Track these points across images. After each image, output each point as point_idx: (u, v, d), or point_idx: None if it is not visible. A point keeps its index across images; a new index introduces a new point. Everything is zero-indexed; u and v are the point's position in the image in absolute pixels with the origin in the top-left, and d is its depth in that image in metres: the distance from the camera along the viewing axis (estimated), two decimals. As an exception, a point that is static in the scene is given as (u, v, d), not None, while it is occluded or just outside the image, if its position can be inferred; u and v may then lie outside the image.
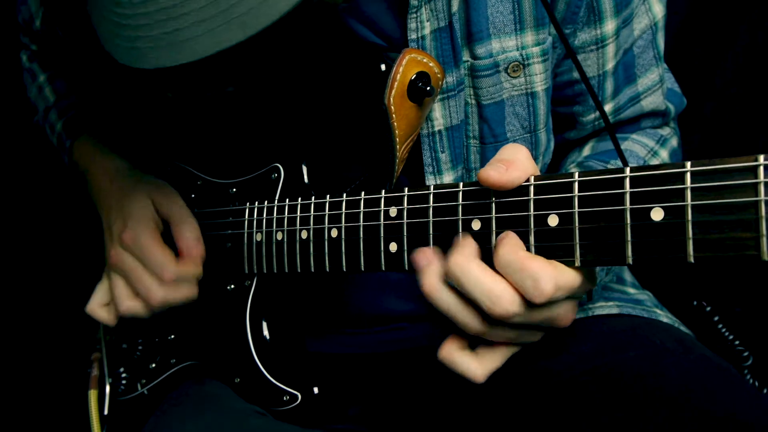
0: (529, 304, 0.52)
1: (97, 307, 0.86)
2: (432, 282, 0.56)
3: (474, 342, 0.59)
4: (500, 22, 0.74)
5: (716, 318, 0.82)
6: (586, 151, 0.89)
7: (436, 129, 0.77)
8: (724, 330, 0.82)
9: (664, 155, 0.87)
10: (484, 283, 0.52)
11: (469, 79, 0.76)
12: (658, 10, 0.83)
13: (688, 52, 1.09)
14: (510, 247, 0.53)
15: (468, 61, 0.75)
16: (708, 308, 0.80)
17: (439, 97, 0.75)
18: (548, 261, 0.52)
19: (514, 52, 0.75)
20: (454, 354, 0.58)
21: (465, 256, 0.54)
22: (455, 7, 0.72)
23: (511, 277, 0.52)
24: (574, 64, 0.82)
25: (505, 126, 0.78)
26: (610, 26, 0.78)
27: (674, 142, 0.91)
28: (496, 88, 0.76)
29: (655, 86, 0.86)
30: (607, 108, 0.85)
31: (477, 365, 0.58)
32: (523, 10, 0.74)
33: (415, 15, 0.72)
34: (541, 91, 0.77)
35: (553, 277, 0.50)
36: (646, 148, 0.87)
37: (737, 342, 0.81)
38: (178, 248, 0.82)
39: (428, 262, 0.57)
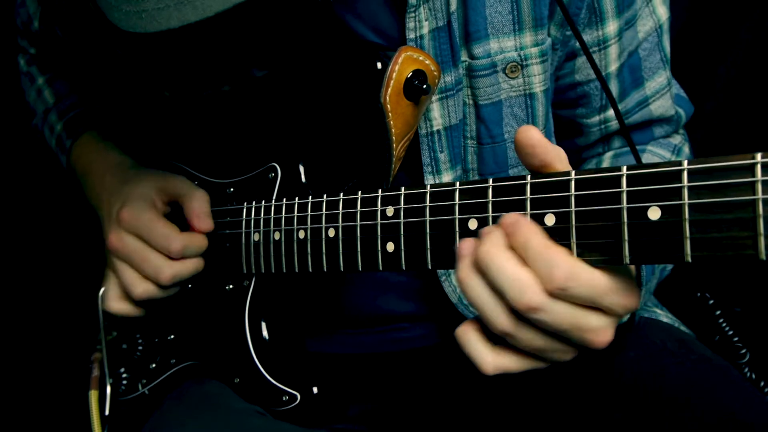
0: (551, 295, 0.49)
1: (115, 302, 0.84)
2: (465, 271, 0.53)
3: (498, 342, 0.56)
4: (499, 22, 0.74)
5: (718, 312, 0.81)
6: (605, 165, 0.88)
7: (435, 129, 0.76)
8: (724, 324, 0.81)
9: None
10: (512, 271, 0.50)
11: (467, 79, 0.76)
12: (662, 12, 0.82)
13: (688, 52, 1.09)
14: (527, 231, 0.50)
15: (466, 61, 0.75)
16: (711, 301, 0.79)
17: (437, 96, 0.75)
18: (568, 251, 0.50)
19: (512, 53, 0.74)
20: (470, 334, 0.55)
21: (494, 244, 0.51)
22: (453, 6, 0.72)
23: (528, 261, 0.50)
24: (575, 67, 0.81)
25: (503, 127, 0.78)
26: (612, 27, 0.78)
27: (687, 149, 0.90)
28: (493, 89, 0.76)
29: (663, 90, 0.85)
30: (613, 112, 0.84)
31: (490, 355, 0.54)
32: (521, 11, 0.73)
33: (413, 14, 0.71)
34: (539, 92, 0.77)
35: (568, 265, 0.48)
36: (664, 159, 0.86)
37: (736, 338, 0.80)
38: (188, 220, 0.81)
39: (469, 252, 0.54)
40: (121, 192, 0.84)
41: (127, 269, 0.81)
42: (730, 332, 0.79)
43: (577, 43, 0.78)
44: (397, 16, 0.74)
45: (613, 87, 0.83)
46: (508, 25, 0.74)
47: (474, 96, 0.76)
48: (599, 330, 0.51)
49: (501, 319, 0.52)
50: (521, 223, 0.50)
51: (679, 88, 0.92)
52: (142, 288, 0.80)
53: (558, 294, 0.49)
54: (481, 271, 0.51)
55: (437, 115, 0.75)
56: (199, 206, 0.81)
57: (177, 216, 0.83)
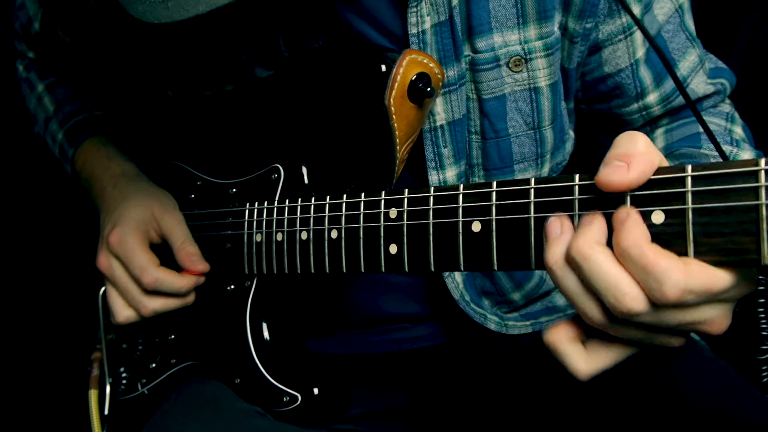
0: (655, 304, 0.45)
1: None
2: (556, 258, 0.48)
3: (589, 332, 0.52)
4: (502, 15, 0.73)
5: (762, 300, 0.77)
6: (659, 141, 0.85)
7: (438, 124, 0.76)
8: (762, 316, 0.77)
9: (738, 131, 0.84)
10: (608, 276, 0.45)
11: (470, 74, 0.76)
12: None
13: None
14: (634, 239, 0.45)
15: (469, 55, 0.75)
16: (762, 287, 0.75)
17: (440, 91, 0.74)
18: (679, 258, 0.44)
19: (516, 46, 0.74)
20: (563, 342, 0.51)
21: (588, 241, 0.47)
22: (455, 0, 0.72)
23: (634, 273, 0.45)
24: (602, 60, 0.80)
25: (507, 121, 0.77)
26: (635, 12, 0.76)
27: (737, 116, 0.88)
28: (497, 83, 0.75)
29: (696, 67, 0.84)
30: (653, 98, 0.83)
31: (584, 362, 0.50)
32: (525, 4, 0.73)
33: (415, 9, 0.71)
34: (545, 86, 0.76)
35: (680, 281, 0.43)
36: (720, 127, 0.84)
37: (765, 333, 0.77)
38: (182, 266, 0.82)
39: (559, 234, 0.49)
40: (116, 211, 0.84)
41: (113, 293, 0.82)
42: (764, 325, 0.76)
43: (600, 34, 0.78)
44: (399, 11, 0.74)
45: (644, 73, 0.82)
46: (512, 18, 0.74)
47: (477, 90, 0.76)
48: (716, 319, 0.46)
49: (596, 316, 0.48)
50: (634, 224, 0.45)
51: (717, 60, 0.90)
52: (125, 316, 0.82)
53: (668, 305, 0.45)
54: (575, 266, 0.47)
55: (440, 110, 0.75)
56: (192, 250, 0.82)
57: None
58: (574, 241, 0.47)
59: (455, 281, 0.82)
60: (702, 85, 0.84)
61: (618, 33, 0.78)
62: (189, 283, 0.81)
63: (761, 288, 0.72)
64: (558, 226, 0.50)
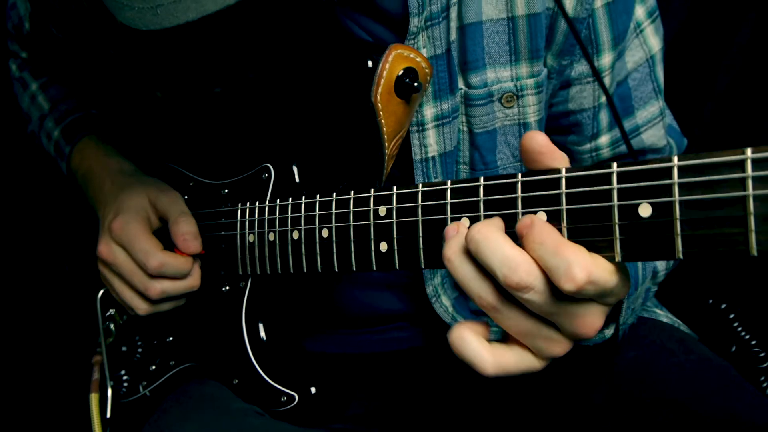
0: (549, 283, 0.47)
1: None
2: (453, 250, 0.51)
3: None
4: (496, 52, 0.73)
5: (732, 316, 0.79)
6: None
7: (430, 155, 0.76)
8: (740, 329, 0.79)
9: None
10: (504, 250, 0.47)
11: (462, 107, 0.76)
12: (655, 42, 0.81)
13: (688, 53, 1.08)
14: (546, 229, 0.47)
15: (462, 89, 0.75)
16: (723, 305, 0.78)
17: (434, 123, 0.75)
18: (585, 249, 0.47)
19: (508, 83, 0.74)
20: (466, 336, 0.52)
21: (488, 225, 0.49)
22: (453, 35, 0.72)
23: (542, 259, 0.47)
24: (569, 96, 0.81)
25: (497, 154, 0.78)
26: (607, 59, 0.77)
27: None
28: (489, 117, 0.76)
29: (655, 119, 0.84)
30: (604, 140, 0.83)
31: (488, 354, 0.51)
32: (518, 42, 0.73)
33: (412, 41, 0.71)
34: (533, 122, 0.77)
35: (586, 266, 0.45)
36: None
37: (754, 342, 0.78)
38: (175, 244, 0.81)
39: (456, 233, 0.52)
40: (116, 201, 0.84)
41: (118, 282, 0.82)
42: (747, 336, 0.77)
43: (573, 72, 0.78)
44: (398, 38, 0.74)
45: (603, 116, 0.82)
46: (505, 55, 0.74)
47: (469, 123, 0.77)
48: (592, 320, 0.49)
49: (487, 296, 0.50)
50: (542, 223, 0.48)
51: (672, 119, 0.91)
52: (144, 308, 0.81)
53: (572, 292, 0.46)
54: (472, 247, 0.49)
55: (433, 141, 0.76)
56: (185, 230, 0.81)
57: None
58: (475, 226, 0.50)
59: (443, 306, 0.82)
60: (653, 138, 0.85)
61: (588, 75, 0.79)
62: (191, 264, 0.81)
63: (724, 306, 0.74)
64: (455, 227, 0.53)
